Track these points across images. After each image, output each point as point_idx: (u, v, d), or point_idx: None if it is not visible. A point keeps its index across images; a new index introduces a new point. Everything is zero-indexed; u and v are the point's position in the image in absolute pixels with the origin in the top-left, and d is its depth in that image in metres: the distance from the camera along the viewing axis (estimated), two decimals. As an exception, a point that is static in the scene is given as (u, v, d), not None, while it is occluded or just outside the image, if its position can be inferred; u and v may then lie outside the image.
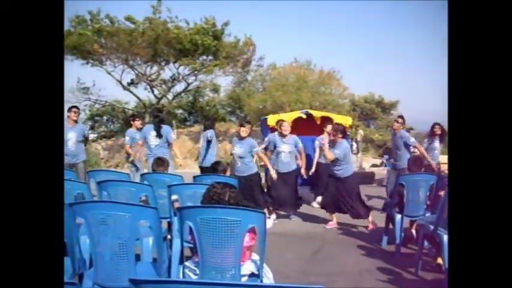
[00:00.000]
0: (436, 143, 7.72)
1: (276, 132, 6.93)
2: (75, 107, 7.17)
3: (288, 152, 6.63)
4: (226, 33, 18.79)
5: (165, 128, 7.06)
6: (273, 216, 6.76)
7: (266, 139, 7.05)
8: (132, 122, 8.33)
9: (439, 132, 7.67)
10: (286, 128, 6.65)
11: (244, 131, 6.40)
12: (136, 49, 17.49)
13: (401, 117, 7.42)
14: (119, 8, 35.58)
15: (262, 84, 23.43)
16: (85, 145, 7.41)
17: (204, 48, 18.11)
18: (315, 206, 7.52)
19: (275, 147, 6.72)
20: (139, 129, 7.91)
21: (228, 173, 5.18)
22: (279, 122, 7.17)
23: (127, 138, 8.12)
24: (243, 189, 5.71)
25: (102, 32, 17.21)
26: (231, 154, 6.92)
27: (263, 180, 7.21)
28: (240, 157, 6.38)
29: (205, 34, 17.96)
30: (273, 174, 6.47)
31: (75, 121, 6.94)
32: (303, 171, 6.92)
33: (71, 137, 6.75)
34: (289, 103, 18.00)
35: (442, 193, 4.58)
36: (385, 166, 12.15)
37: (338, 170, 6.21)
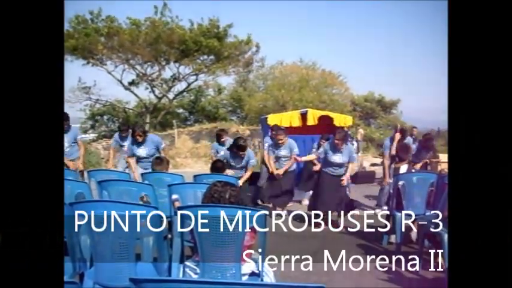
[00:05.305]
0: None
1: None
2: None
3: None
4: (229, 34, 18.79)
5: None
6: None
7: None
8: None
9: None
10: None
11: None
12: (137, 49, 17.48)
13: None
14: (119, 7, 35.59)
15: (264, 84, 23.35)
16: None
17: (208, 49, 18.07)
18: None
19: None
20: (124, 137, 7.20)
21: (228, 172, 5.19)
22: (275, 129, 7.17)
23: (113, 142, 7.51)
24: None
25: (106, 31, 17.22)
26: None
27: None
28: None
29: (210, 36, 17.93)
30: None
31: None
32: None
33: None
34: (294, 101, 17.95)
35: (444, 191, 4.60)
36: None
37: (340, 170, 6.12)
